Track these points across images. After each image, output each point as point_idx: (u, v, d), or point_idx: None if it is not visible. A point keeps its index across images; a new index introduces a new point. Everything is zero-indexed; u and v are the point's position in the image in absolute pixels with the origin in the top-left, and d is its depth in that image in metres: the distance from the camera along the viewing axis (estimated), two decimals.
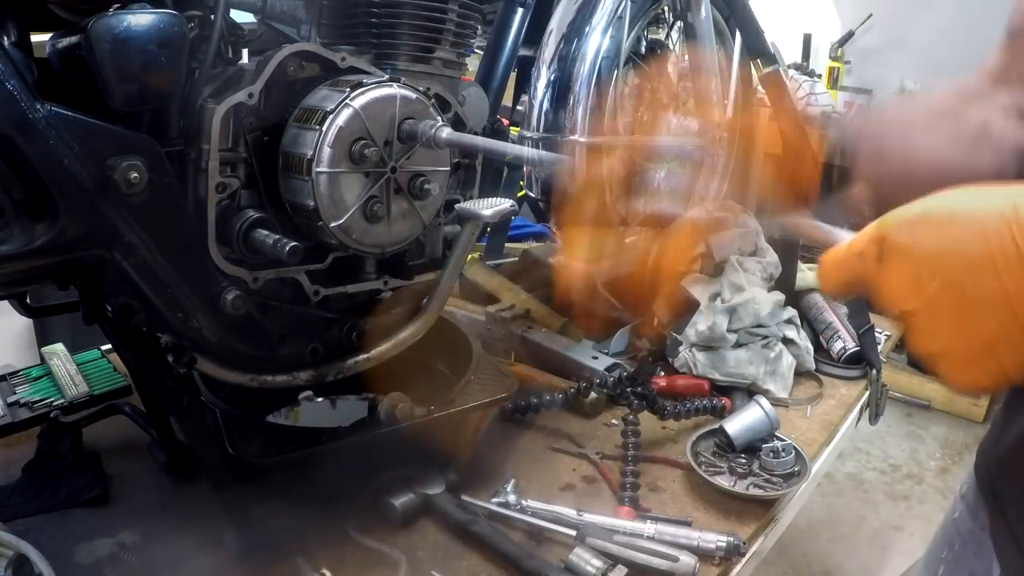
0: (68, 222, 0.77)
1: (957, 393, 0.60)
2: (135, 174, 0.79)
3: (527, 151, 0.82)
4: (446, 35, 1.06)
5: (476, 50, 1.41)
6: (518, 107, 1.72)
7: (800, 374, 1.53)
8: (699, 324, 1.43)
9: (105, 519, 1.06)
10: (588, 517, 1.05)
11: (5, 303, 1.04)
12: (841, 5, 4.06)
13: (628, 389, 1.25)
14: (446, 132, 0.92)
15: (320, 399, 1.27)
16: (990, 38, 0.77)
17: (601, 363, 1.40)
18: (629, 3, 1.65)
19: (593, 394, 1.31)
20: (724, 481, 1.16)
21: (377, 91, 0.93)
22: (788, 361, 1.48)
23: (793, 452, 1.21)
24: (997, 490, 0.74)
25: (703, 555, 1.00)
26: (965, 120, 0.71)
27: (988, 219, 0.43)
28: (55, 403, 1.30)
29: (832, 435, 1.39)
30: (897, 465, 2.93)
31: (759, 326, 1.46)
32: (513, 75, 1.48)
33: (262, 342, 0.98)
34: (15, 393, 1.33)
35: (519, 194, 1.97)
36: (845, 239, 0.52)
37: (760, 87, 2.02)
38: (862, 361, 1.57)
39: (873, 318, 1.63)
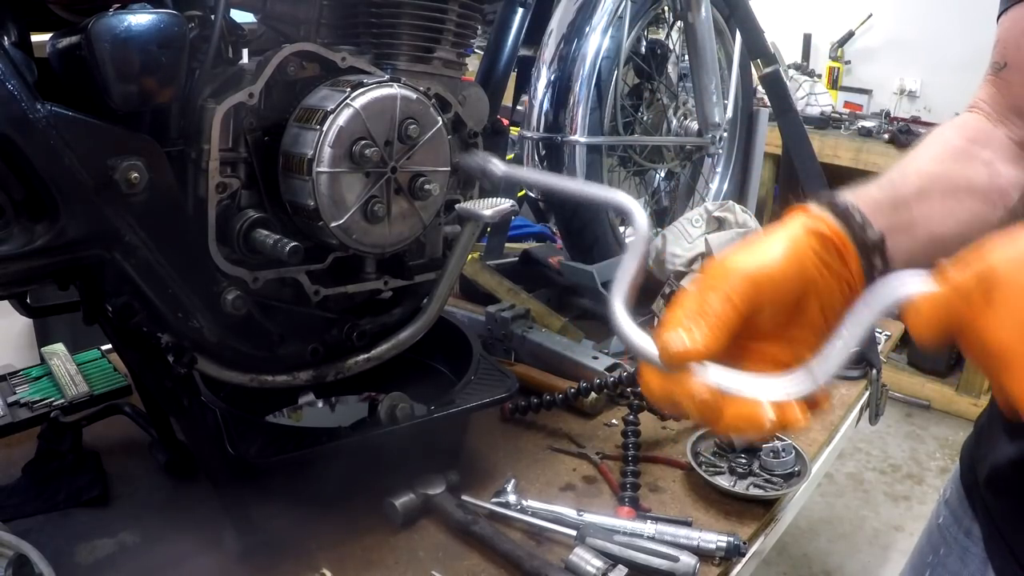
0: (68, 222, 0.77)
1: None
2: (135, 174, 0.79)
3: (592, 189, 0.72)
4: (446, 35, 1.06)
5: (476, 50, 1.41)
6: (518, 107, 1.72)
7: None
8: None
9: (105, 519, 1.06)
10: (588, 517, 1.05)
11: (5, 303, 1.04)
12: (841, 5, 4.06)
13: (628, 389, 1.25)
14: (502, 168, 0.87)
15: (320, 400, 1.27)
16: (990, 38, 0.76)
17: (601, 363, 1.40)
18: (629, 3, 1.65)
19: (593, 394, 1.31)
20: (724, 481, 1.16)
21: (377, 91, 0.93)
22: None
23: (793, 452, 1.21)
24: (988, 506, 0.73)
25: (703, 555, 1.00)
26: (975, 174, 0.67)
27: None
28: (55, 403, 1.30)
29: (832, 435, 1.39)
30: (897, 465, 2.93)
31: None
32: (513, 75, 1.48)
33: (262, 342, 0.98)
34: (15, 393, 1.32)
35: (519, 194, 1.97)
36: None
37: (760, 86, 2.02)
38: (862, 361, 1.56)
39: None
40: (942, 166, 0.67)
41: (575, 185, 0.76)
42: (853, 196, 0.61)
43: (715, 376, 0.49)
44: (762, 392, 0.49)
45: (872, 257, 0.58)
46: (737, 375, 0.49)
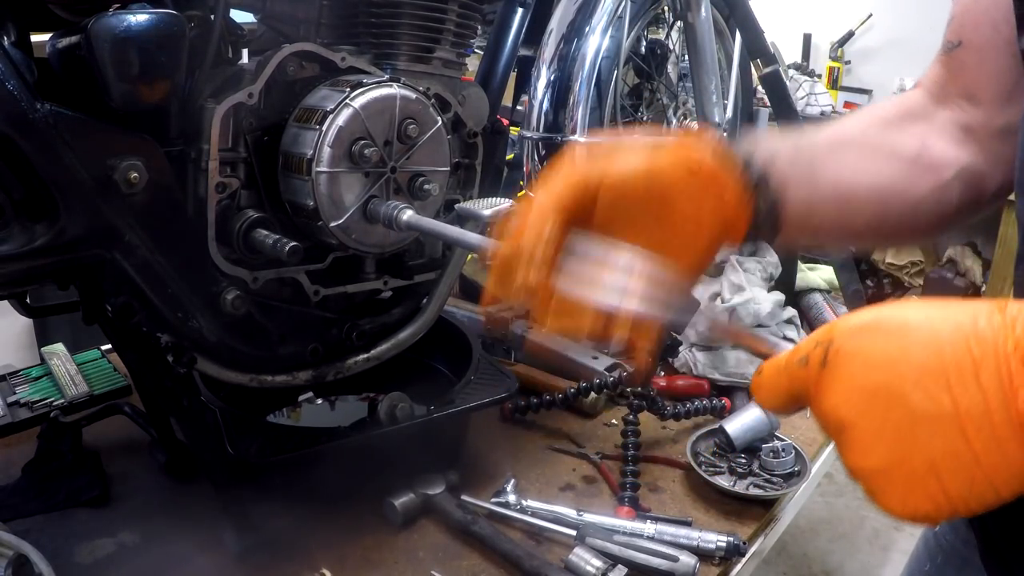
0: (68, 222, 0.77)
1: (892, 518, 0.55)
2: (135, 174, 0.80)
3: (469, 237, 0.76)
4: (446, 35, 1.06)
5: (476, 50, 1.41)
6: (518, 107, 1.72)
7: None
8: (699, 324, 1.43)
9: (105, 519, 1.06)
10: (588, 517, 1.05)
11: (5, 303, 1.04)
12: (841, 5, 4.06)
13: (628, 389, 1.25)
14: (407, 215, 0.91)
15: (320, 400, 1.27)
16: None
17: (601, 363, 1.40)
18: (629, 3, 1.65)
19: (593, 394, 1.31)
20: (724, 481, 1.16)
21: (377, 91, 0.93)
22: None
23: (793, 452, 1.21)
24: (983, 518, 0.73)
25: (703, 555, 1.00)
26: (903, 142, 0.65)
27: (944, 329, 0.40)
28: (55, 403, 1.30)
29: None
30: None
31: (759, 326, 1.46)
32: (513, 75, 1.47)
33: (262, 342, 0.98)
34: (15, 393, 1.32)
35: (519, 194, 1.97)
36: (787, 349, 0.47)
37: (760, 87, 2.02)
38: None
39: None
40: (869, 129, 0.66)
41: (481, 240, 0.78)
42: (748, 142, 0.61)
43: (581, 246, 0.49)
44: (602, 294, 0.48)
45: (750, 162, 0.59)
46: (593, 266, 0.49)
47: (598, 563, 0.95)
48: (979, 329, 0.39)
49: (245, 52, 1.04)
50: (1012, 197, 0.65)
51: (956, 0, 0.67)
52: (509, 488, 1.09)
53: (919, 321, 0.41)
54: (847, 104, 4.10)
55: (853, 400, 0.42)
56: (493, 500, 1.08)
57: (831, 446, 1.38)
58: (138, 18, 0.77)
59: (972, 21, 0.65)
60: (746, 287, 1.48)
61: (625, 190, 0.53)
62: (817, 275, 1.81)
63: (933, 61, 0.70)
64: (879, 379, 0.41)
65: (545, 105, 1.59)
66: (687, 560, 0.96)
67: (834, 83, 4.14)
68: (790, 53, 4.19)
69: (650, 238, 0.55)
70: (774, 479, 1.17)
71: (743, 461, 1.19)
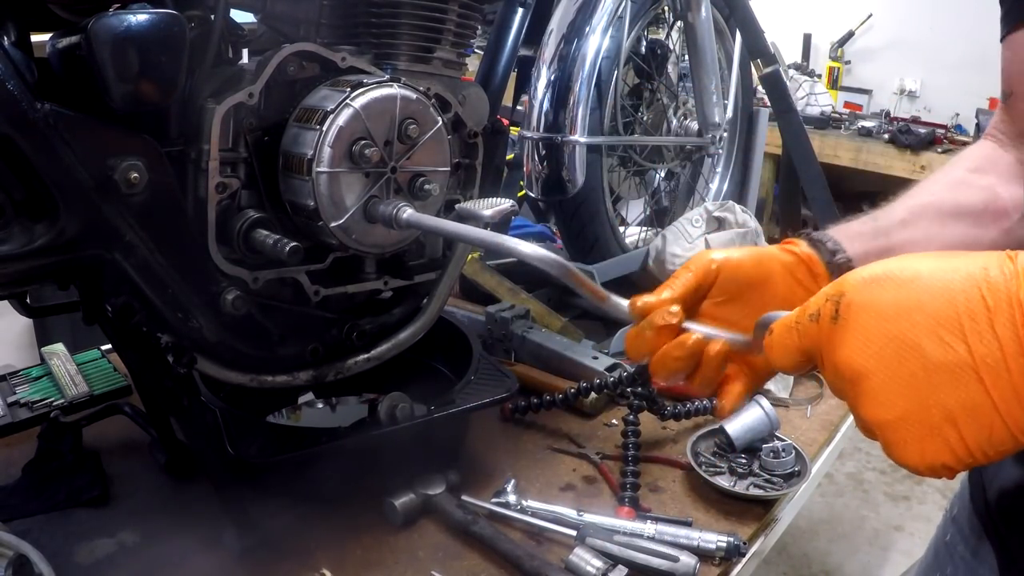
0: (68, 222, 0.77)
1: (910, 470, 0.55)
2: (135, 174, 0.80)
3: (493, 238, 0.75)
4: (446, 35, 1.06)
5: (476, 50, 1.41)
6: (518, 107, 1.72)
7: (800, 374, 1.53)
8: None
9: (105, 519, 1.06)
10: (588, 517, 1.05)
11: (5, 303, 1.04)
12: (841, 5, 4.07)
13: (628, 389, 1.25)
14: (408, 212, 0.92)
15: (320, 401, 1.27)
16: (989, 38, 0.76)
17: (601, 363, 1.40)
18: (629, 3, 1.65)
19: (593, 394, 1.31)
20: (724, 481, 1.16)
21: (377, 91, 0.93)
22: None
23: (793, 452, 1.21)
24: (1002, 535, 0.73)
25: (703, 555, 1.00)
26: (971, 198, 0.70)
27: (955, 279, 0.40)
28: (55, 403, 1.30)
29: (832, 435, 1.39)
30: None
31: None
32: (513, 75, 1.48)
33: (262, 342, 0.98)
34: (15, 393, 1.32)
35: (519, 194, 1.98)
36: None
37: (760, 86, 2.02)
38: None
39: None
40: (933, 196, 0.71)
41: (480, 234, 0.79)
42: (833, 229, 0.68)
43: (688, 323, 0.60)
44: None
45: (833, 250, 0.66)
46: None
47: (598, 563, 0.95)
48: (991, 278, 0.39)
49: (245, 52, 1.04)
50: None
51: (1003, 52, 0.71)
52: (509, 488, 1.09)
53: (930, 271, 0.42)
54: (847, 104, 4.11)
55: (867, 351, 0.42)
56: (493, 500, 1.08)
57: (831, 446, 1.38)
58: (138, 18, 0.77)
59: (1017, 71, 0.69)
60: None
61: (738, 271, 0.63)
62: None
63: (998, 108, 0.75)
64: (893, 330, 0.41)
65: (545, 105, 1.59)
66: (687, 560, 0.96)
67: (834, 83, 4.15)
68: (790, 53, 4.19)
69: (752, 308, 0.62)
70: (774, 479, 1.17)
71: (743, 461, 1.19)
